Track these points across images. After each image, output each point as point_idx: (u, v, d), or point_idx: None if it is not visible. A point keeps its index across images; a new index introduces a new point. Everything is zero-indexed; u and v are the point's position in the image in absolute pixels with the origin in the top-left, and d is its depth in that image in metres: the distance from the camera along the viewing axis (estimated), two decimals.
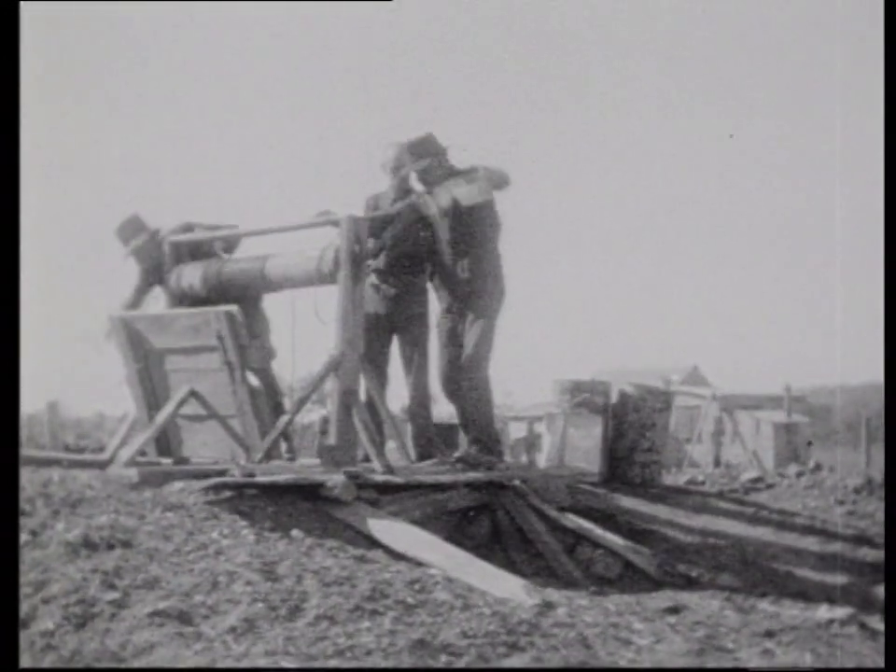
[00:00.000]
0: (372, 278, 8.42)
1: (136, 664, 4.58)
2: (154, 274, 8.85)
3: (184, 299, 8.58)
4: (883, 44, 6.15)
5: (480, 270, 8.22)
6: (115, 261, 9.00)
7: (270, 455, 7.65)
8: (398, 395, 8.84)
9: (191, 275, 8.53)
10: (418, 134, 8.31)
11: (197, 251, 8.78)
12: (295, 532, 6.23)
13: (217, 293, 8.41)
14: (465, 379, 8.20)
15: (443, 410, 9.25)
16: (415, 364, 8.46)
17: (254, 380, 8.38)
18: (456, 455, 8.18)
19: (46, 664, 4.75)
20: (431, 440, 8.49)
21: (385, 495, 7.13)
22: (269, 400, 8.64)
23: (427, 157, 8.26)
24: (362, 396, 7.88)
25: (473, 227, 8.19)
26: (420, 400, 8.52)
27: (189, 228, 8.96)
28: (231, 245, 8.82)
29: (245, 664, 4.50)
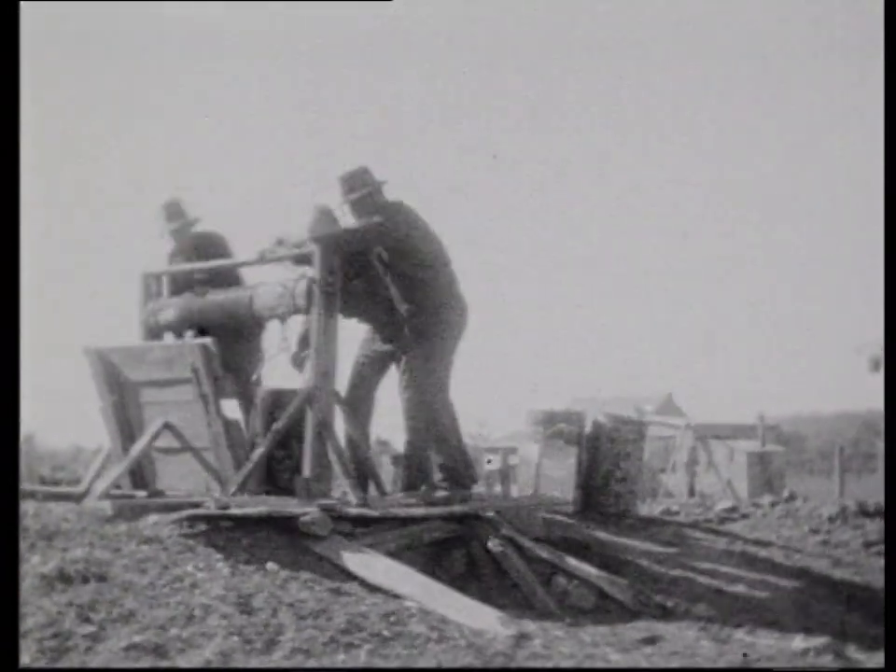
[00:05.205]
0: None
1: None
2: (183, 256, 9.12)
3: (161, 332, 8.57)
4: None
5: (416, 306, 8.08)
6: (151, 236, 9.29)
7: (244, 487, 7.63)
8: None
9: (171, 308, 8.51)
10: (351, 168, 8.21)
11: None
12: (270, 565, 6.22)
13: (199, 325, 8.42)
14: (423, 414, 8.06)
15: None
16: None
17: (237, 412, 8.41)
18: (423, 488, 8.10)
19: None
20: (427, 473, 8.26)
21: (360, 527, 7.12)
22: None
23: (357, 190, 8.17)
24: (338, 429, 7.86)
25: (399, 264, 8.08)
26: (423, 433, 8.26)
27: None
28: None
29: None
